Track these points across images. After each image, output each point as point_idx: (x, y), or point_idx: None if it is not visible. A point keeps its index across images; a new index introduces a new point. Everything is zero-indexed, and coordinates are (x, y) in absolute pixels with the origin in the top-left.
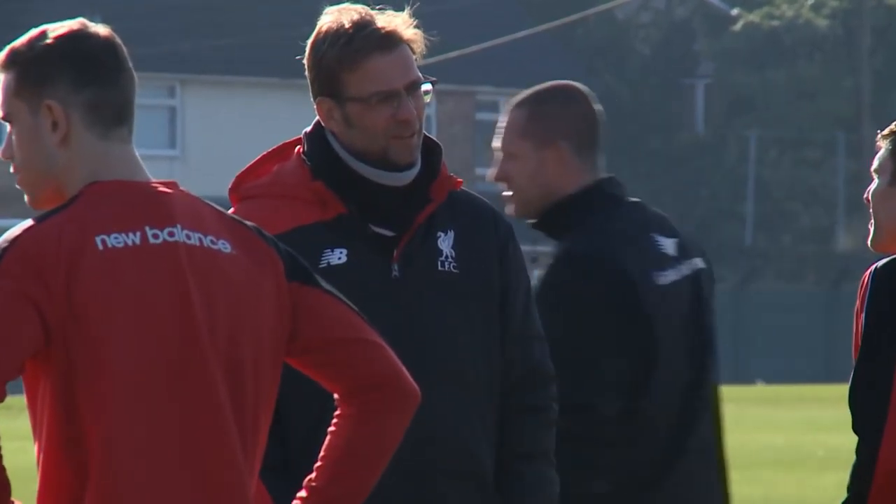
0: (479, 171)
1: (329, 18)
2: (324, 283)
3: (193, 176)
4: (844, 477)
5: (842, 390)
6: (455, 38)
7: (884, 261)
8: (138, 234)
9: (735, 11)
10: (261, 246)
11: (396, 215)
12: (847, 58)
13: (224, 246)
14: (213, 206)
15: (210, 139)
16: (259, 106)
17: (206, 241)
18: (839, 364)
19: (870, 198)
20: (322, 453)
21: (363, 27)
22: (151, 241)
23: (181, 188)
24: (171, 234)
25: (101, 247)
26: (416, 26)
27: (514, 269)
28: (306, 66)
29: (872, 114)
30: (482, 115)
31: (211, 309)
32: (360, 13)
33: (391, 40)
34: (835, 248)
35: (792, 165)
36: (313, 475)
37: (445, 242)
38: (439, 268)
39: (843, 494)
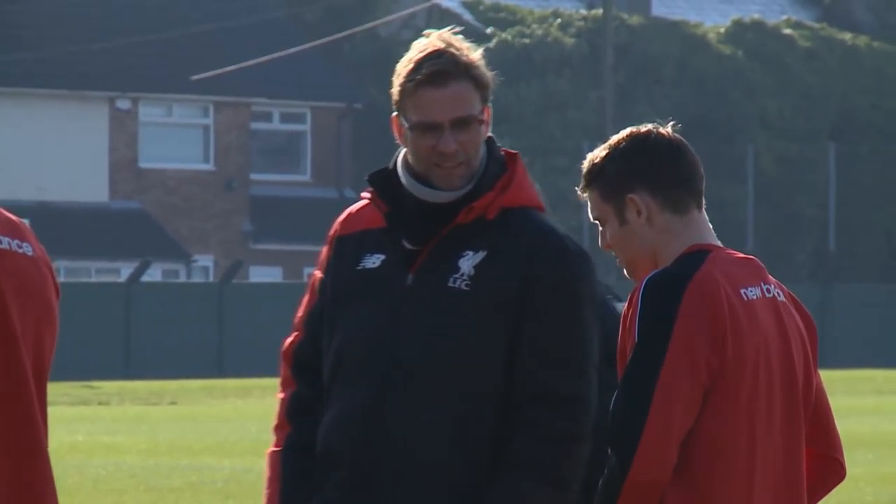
0: (253, 176)
1: (417, 43)
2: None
3: None
4: None
5: None
6: (233, 53)
7: (653, 273)
8: None
9: (489, 30)
10: (40, 246)
11: (421, 229)
12: (592, 73)
13: (28, 249)
14: (5, 212)
15: (8, 147)
16: (50, 116)
17: (14, 245)
18: None
19: (610, 245)
20: None
21: (427, 59)
22: None
23: None
24: None
25: None
26: (484, 63)
27: (547, 296)
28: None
29: (615, 123)
30: (257, 125)
31: (23, 312)
32: (438, 42)
33: (446, 76)
34: (582, 246)
35: (542, 172)
36: None
37: (468, 261)
38: (449, 283)
39: None
